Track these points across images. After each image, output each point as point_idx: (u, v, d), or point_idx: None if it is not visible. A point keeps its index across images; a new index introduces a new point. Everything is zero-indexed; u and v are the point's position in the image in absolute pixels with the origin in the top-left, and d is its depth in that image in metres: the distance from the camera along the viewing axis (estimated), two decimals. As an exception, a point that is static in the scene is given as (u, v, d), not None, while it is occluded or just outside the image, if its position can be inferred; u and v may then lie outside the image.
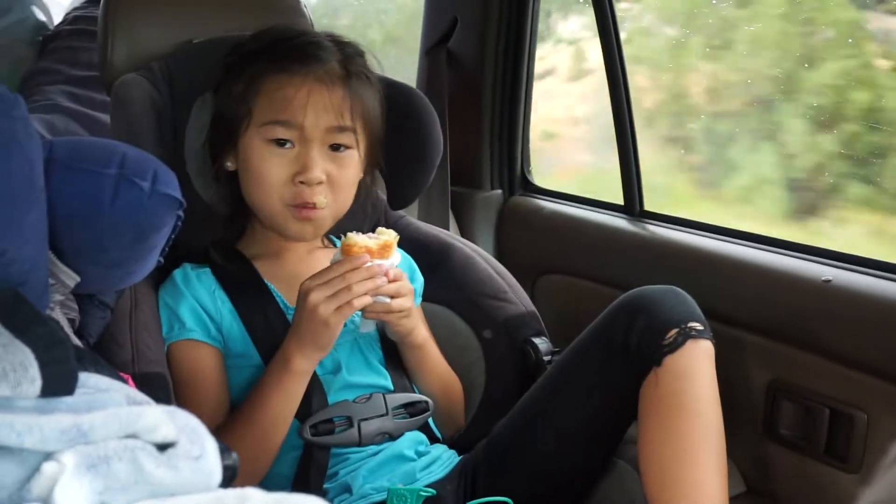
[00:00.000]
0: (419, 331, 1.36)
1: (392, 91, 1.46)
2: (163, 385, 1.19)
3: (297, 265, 1.39)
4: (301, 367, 1.23)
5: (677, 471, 1.13)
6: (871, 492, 0.39)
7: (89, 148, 0.95)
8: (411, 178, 1.55)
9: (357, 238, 1.22)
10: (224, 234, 1.40)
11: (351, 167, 1.34)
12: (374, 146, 1.39)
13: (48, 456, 0.71)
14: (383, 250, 1.23)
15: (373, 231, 1.27)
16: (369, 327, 1.31)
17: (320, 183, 1.30)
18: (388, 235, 1.25)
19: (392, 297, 1.24)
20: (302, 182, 1.29)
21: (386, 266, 1.23)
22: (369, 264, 1.20)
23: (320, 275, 1.21)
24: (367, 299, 1.21)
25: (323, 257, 1.42)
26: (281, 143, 1.29)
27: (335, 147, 1.31)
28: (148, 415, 0.71)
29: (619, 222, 1.88)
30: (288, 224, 1.33)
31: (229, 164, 1.35)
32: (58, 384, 0.75)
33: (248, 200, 1.35)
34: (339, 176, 1.32)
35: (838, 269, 1.48)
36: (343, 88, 1.31)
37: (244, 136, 1.31)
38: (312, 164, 1.28)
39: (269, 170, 1.30)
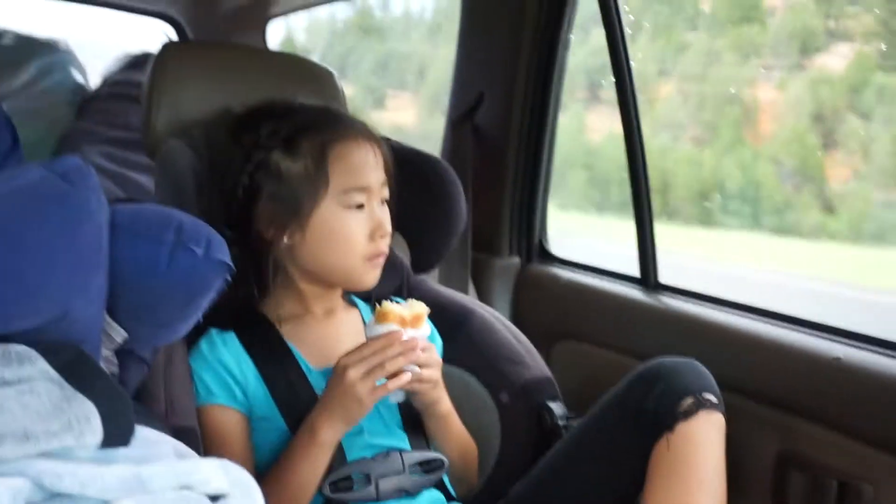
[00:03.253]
0: (444, 401, 1.39)
1: (419, 160, 1.52)
2: (194, 439, 1.22)
3: (318, 326, 1.43)
4: (328, 439, 1.26)
5: None
6: None
7: (149, 215, 1.01)
8: (434, 244, 1.60)
9: (391, 307, 1.27)
10: (248, 296, 1.40)
11: (390, 217, 1.41)
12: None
13: (107, 504, 0.76)
14: (415, 321, 1.28)
15: (403, 300, 1.32)
16: (399, 397, 1.34)
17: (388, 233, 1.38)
18: (420, 307, 1.30)
19: (421, 366, 1.28)
20: (381, 237, 1.36)
21: (419, 338, 1.27)
22: (405, 337, 1.25)
23: (357, 351, 1.25)
24: (404, 379, 1.25)
25: (344, 317, 1.46)
26: (359, 206, 1.35)
27: (382, 200, 1.39)
28: (203, 467, 0.76)
29: (635, 293, 1.92)
30: (364, 276, 1.38)
31: (286, 239, 1.36)
32: (117, 436, 0.80)
33: (317, 264, 1.37)
34: (389, 225, 1.39)
35: (848, 346, 1.53)
36: (379, 145, 1.40)
37: (319, 207, 1.34)
38: (386, 220, 1.37)
39: (351, 233, 1.34)
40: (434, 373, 1.31)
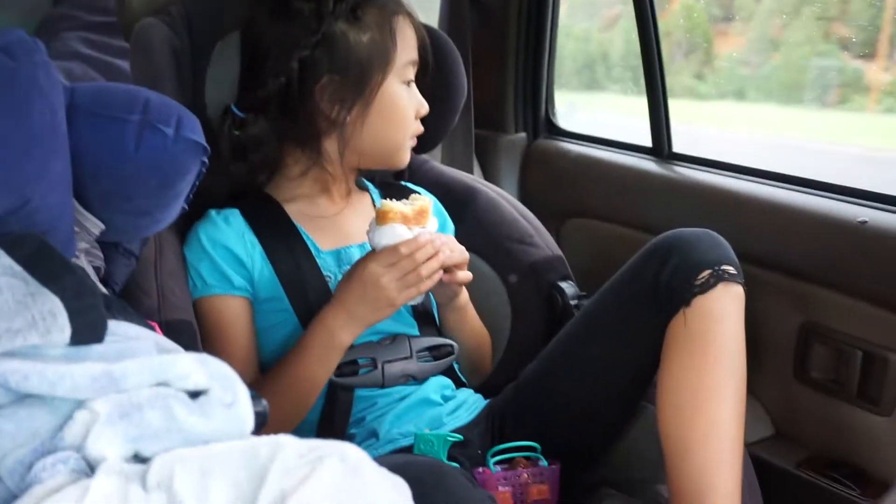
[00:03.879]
0: (463, 292, 1.37)
1: None
2: (189, 332, 1.19)
3: (330, 208, 1.38)
4: (346, 340, 1.24)
5: (695, 409, 1.12)
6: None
7: (112, 94, 0.93)
8: (435, 121, 1.52)
9: (392, 205, 1.20)
10: (255, 178, 1.35)
11: None
12: None
13: (80, 404, 0.70)
14: (419, 216, 1.21)
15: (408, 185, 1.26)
16: (422, 297, 1.29)
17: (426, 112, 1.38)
18: (423, 201, 1.23)
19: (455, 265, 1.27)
20: (420, 115, 1.37)
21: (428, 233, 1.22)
22: (412, 235, 1.20)
23: (386, 256, 1.20)
24: (435, 278, 1.22)
25: (355, 199, 1.42)
26: (409, 82, 1.34)
27: None
28: (180, 363, 0.71)
29: (648, 164, 1.85)
30: (405, 154, 1.38)
31: (349, 116, 1.29)
32: (87, 332, 0.74)
33: (372, 141, 1.32)
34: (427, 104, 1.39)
35: (874, 209, 1.45)
36: (417, 21, 1.38)
37: (386, 80, 1.30)
38: (423, 98, 1.36)
39: (406, 108, 1.34)
40: (464, 269, 1.29)
